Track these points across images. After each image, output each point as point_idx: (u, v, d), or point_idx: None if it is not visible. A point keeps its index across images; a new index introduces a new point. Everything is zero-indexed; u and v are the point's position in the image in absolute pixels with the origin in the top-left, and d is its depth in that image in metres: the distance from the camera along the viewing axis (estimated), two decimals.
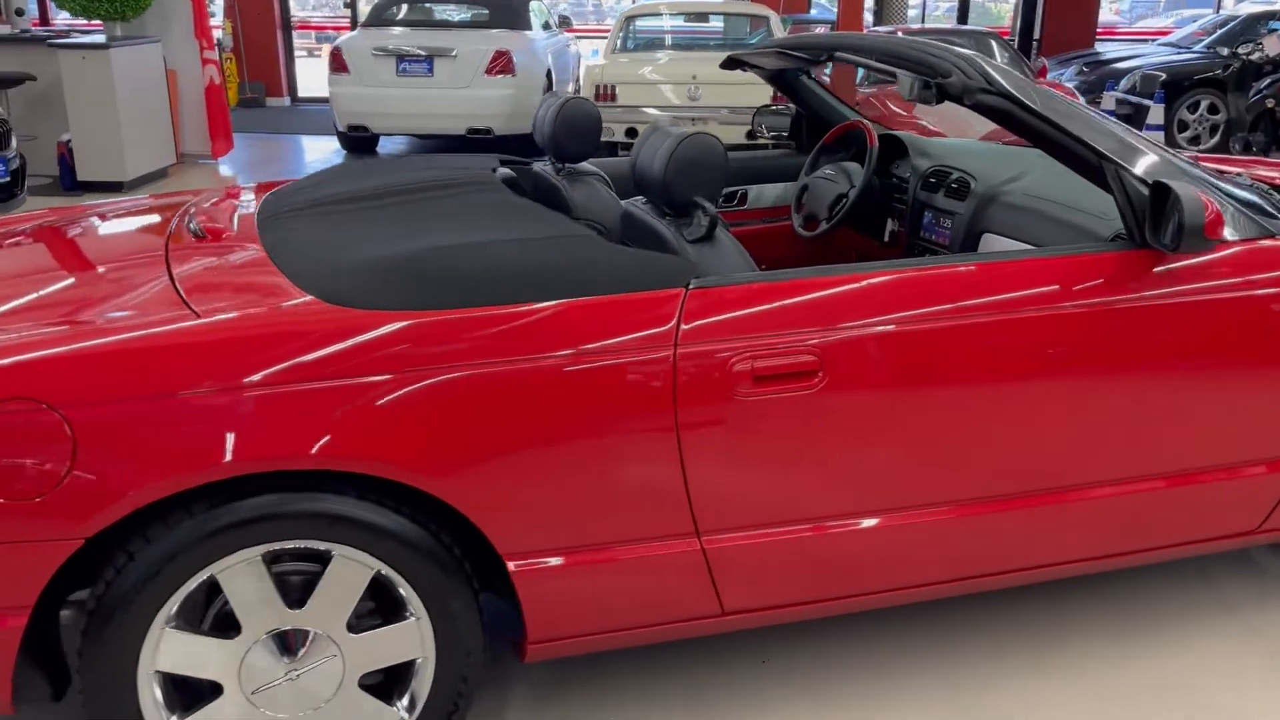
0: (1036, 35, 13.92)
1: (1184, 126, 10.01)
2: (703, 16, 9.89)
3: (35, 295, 1.99)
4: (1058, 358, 2.10)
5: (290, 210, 2.39)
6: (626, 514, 1.95)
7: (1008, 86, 2.25)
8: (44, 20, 11.86)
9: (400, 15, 9.97)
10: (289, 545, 1.81)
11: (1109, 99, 9.63)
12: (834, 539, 2.10)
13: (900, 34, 9.99)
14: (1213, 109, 9.96)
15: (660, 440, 1.91)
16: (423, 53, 9.05)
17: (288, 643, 1.88)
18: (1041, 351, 2.09)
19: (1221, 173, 2.91)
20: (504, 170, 3.02)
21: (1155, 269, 2.18)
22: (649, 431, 1.90)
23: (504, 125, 9.15)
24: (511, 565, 1.93)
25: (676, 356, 1.90)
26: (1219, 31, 10.83)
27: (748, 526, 2.05)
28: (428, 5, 10.12)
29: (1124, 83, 10.03)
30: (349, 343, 1.79)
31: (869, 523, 2.11)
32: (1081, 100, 8.54)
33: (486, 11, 9.85)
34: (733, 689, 2.36)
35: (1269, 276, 2.25)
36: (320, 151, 10.12)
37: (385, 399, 1.78)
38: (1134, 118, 9.55)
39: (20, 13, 10.13)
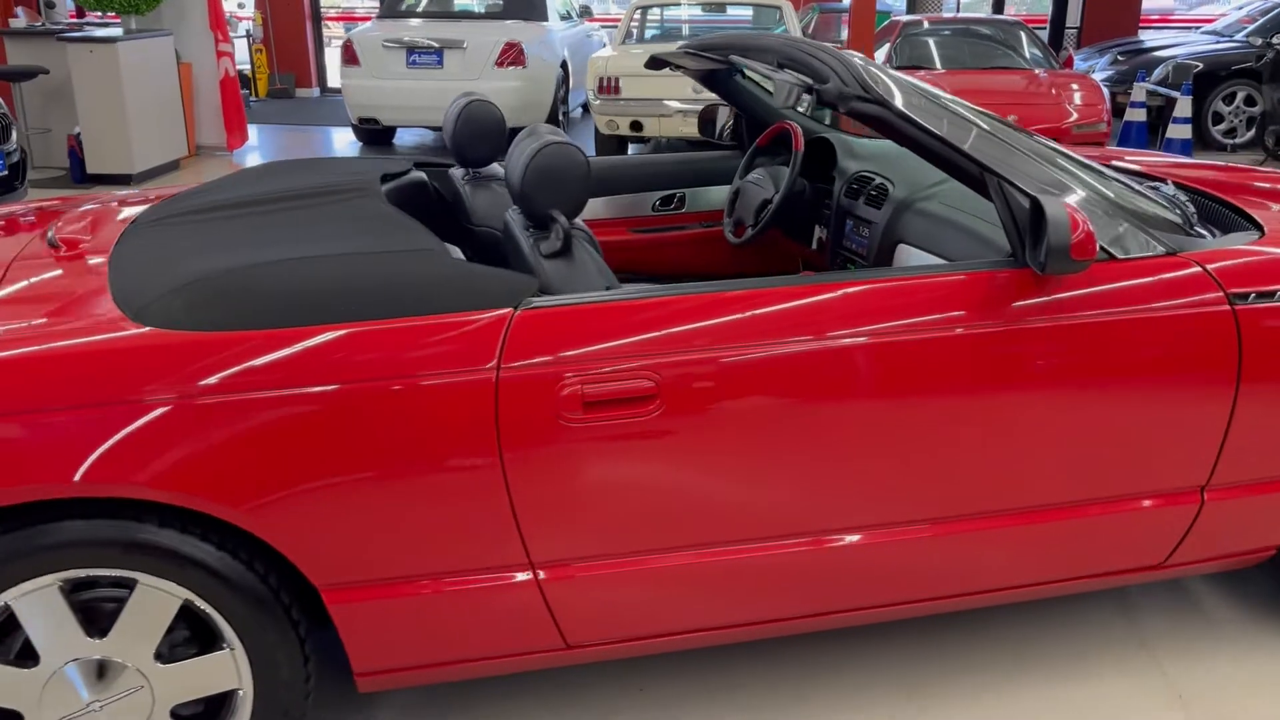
0: (1076, 23, 13.53)
1: (1219, 119, 9.64)
2: (717, 7, 9.73)
3: None
4: (918, 383, 1.96)
5: (158, 219, 2.33)
6: (450, 545, 1.86)
7: (882, 93, 2.11)
8: (80, 14, 12.01)
9: (415, 7, 9.94)
10: (90, 573, 1.75)
11: (1139, 90, 9.30)
12: (680, 571, 1.99)
13: (927, 23, 9.76)
14: (1249, 101, 9.57)
15: (483, 469, 1.82)
16: (433, 44, 9.01)
17: (99, 672, 1.83)
18: (901, 377, 1.95)
19: (1154, 183, 2.74)
20: (417, 174, 2.94)
21: (1035, 289, 2.03)
22: (470, 459, 1.81)
23: (514, 117, 9.08)
24: (327, 596, 1.85)
25: (499, 380, 1.81)
26: (1261, 20, 10.41)
27: (587, 558, 1.94)
28: None
29: (1157, 73, 9.68)
30: (142, 364, 1.73)
31: (717, 554, 2.00)
32: (1105, 94, 8.26)
33: (500, 2, 9.78)
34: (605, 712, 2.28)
35: (1151, 297, 2.09)
36: (340, 143, 10.14)
37: (180, 425, 1.71)
38: (1164, 110, 9.22)
39: (51, 5, 10.27)
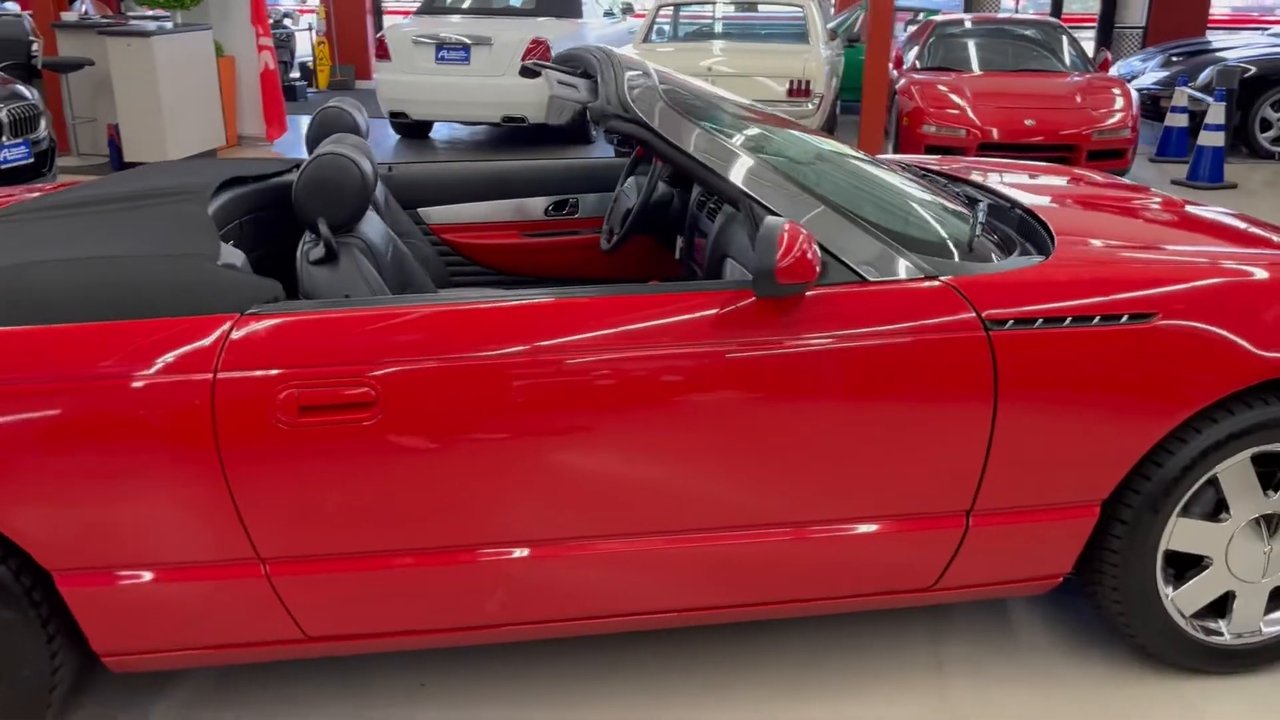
0: (1141, 23, 13.10)
1: (1266, 125, 9.25)
2: (741, 6, 9.69)
3: None
4: (632, 400, 2.00)
5: (5, 215, 2.49)
6: (176, 538, 1.97)
7: (640, 113, 2.15)
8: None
9: (451, 2, 10.13)
10: None
11: (1179, 95, 8.99)
12: (408, 571, 2.06)
13: (960, 23, 9.57)
14: None
15: (202, 467, 1.92)
16: (463, 40, 9.17)
17: None
18: (616, 394, 1.99)
19: (976, 203, 2.72)
20: (290, 176, 3.06)
21: (771, 312, 2.04)
22: (189, 457, 1.92)
23: (539, 114, 9.21)
24: (59, 580, 1.98)
25: (215, 383, 1.91)
26: None
27: (316, 556, 2.04)
28: None
29: (1202, 77, 9.33)
30: None
31: (442, 557, 2.07)
32: (1135, 100, 7.99)
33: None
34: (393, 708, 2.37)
35: (902, 320, 2.08)
36: (381, 134, 10.39)
37: None
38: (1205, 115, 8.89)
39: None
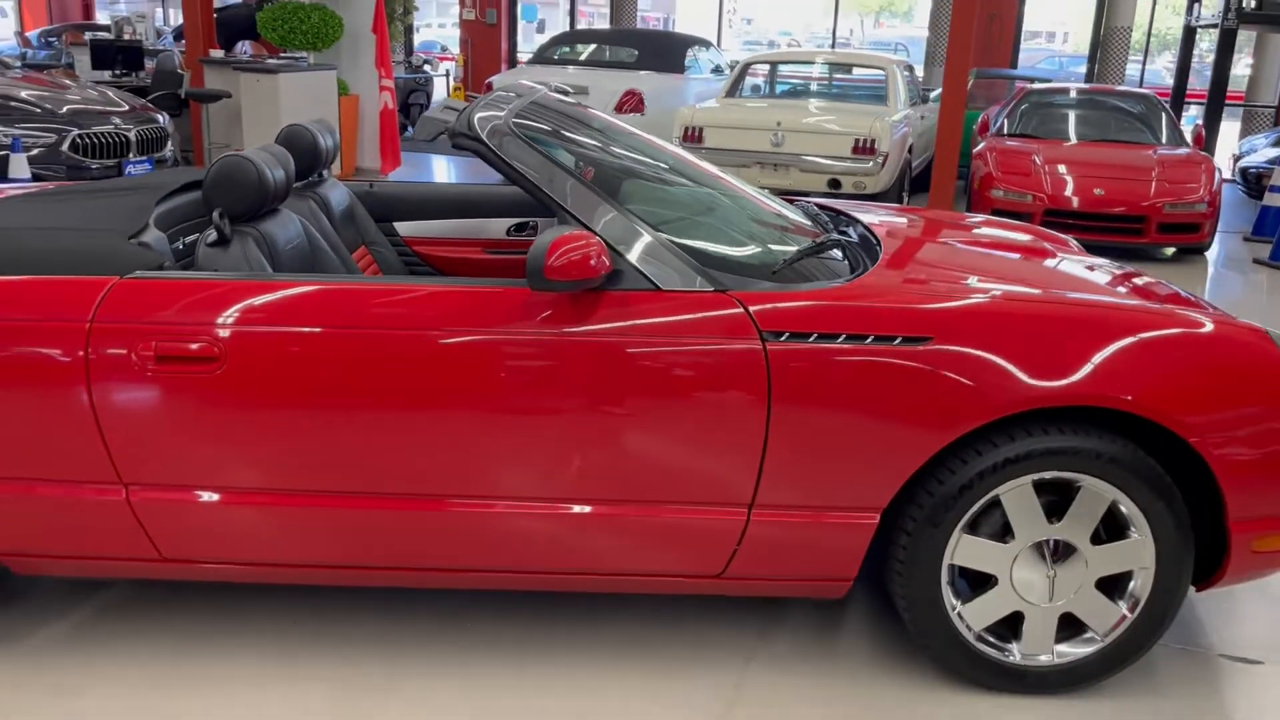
0: (1275, 102, 12.67)
1: None
2: (833, 67, 9.94)
3: None
4: (436, 375, 2.31)
5: (30, 194, 3.02)
6: (49, 456, 2.39)
7: (480, 133, 2.48)
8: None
9: (562, 55, 10.76)
10: None
11: (1278, 174, 8.74)
12: (255, 507, 2.42)
13: (1060, 93, 9.54)
14: None
15: (74, 400, 2.34)
16: (565, 88, 9.73)
17: None
18: (409, 370, 2.32)
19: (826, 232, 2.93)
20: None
21: (552, 307, 2.33)
22: (62, 391, 2.33)
23: None
24: None
25: (90, 331, 2.32)
26: None
27: (172, 485, 2.41)
28: (587, 46, 10.84)
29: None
30: None
31: (284, 499, 2.41)
32: (1216, 176, 7.86)
33: (636, 53, 10.44)
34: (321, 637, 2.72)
35: (685, 326, 2.33)
36: (485, 174, 11.05)
37: None
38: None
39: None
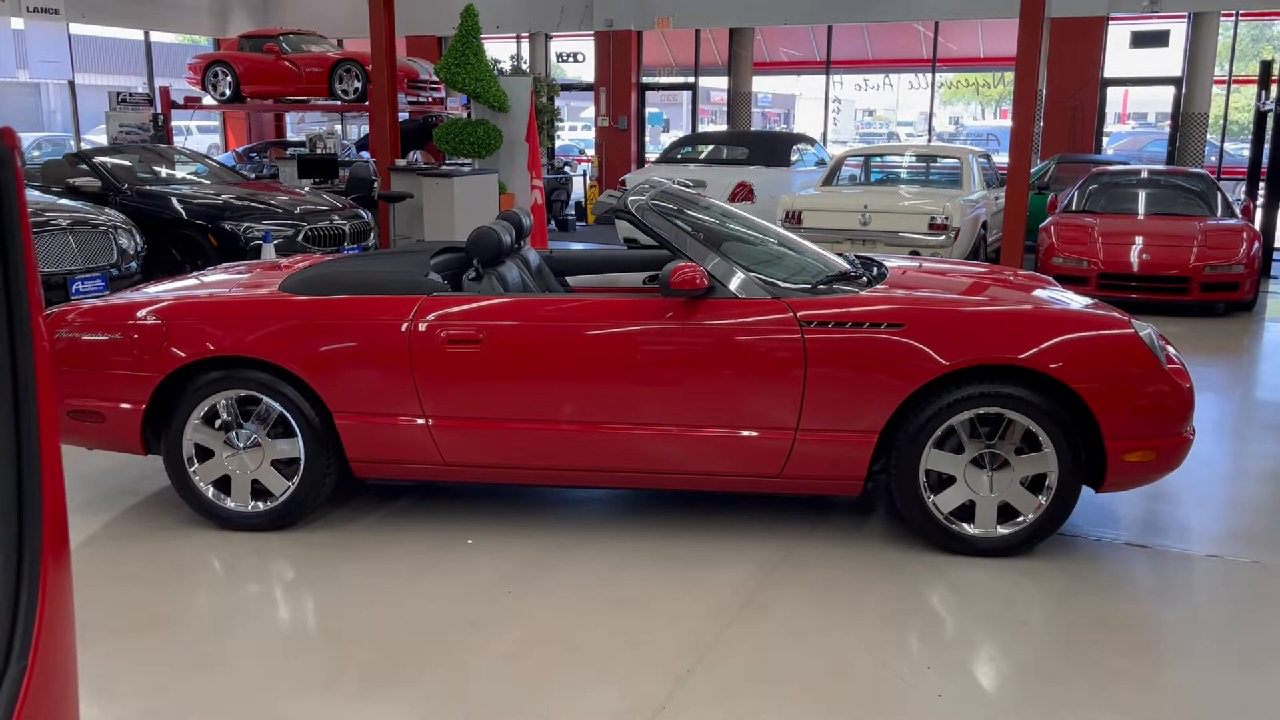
0: None
1: None
2: (919, 157, 11.45)
3: None
4: (611, 351, 3.94)
5: None
6: (386, 400, 4.08)
7: (628, 207, 4.14)
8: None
9: (684, 154, 12.60)
10: None
11: None
12: (512, 432, 4.06)
13: (1122, 174, 10.83)
14: None
15: (401, 366, 4.04)
16: (686, 183, 11.52)
17: None
18: (606, 348, 3.95)
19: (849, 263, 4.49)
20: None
21: (680, 310, 3.94)
22: (395, 361, 4.04)
23: None
24: (336, 418, 4.14)
25: (412, 328, 4.04)
26: None
27: (454, 417, 4.08)
28: (705, 147, 12.66)
29: None
30: None
31: (534, 426, 4.05)
32: (1258, 244, 8.99)
33: (747, 151, 12.20)
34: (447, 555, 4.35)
35: (751, 319, 3.90)
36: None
37: None
38: None
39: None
